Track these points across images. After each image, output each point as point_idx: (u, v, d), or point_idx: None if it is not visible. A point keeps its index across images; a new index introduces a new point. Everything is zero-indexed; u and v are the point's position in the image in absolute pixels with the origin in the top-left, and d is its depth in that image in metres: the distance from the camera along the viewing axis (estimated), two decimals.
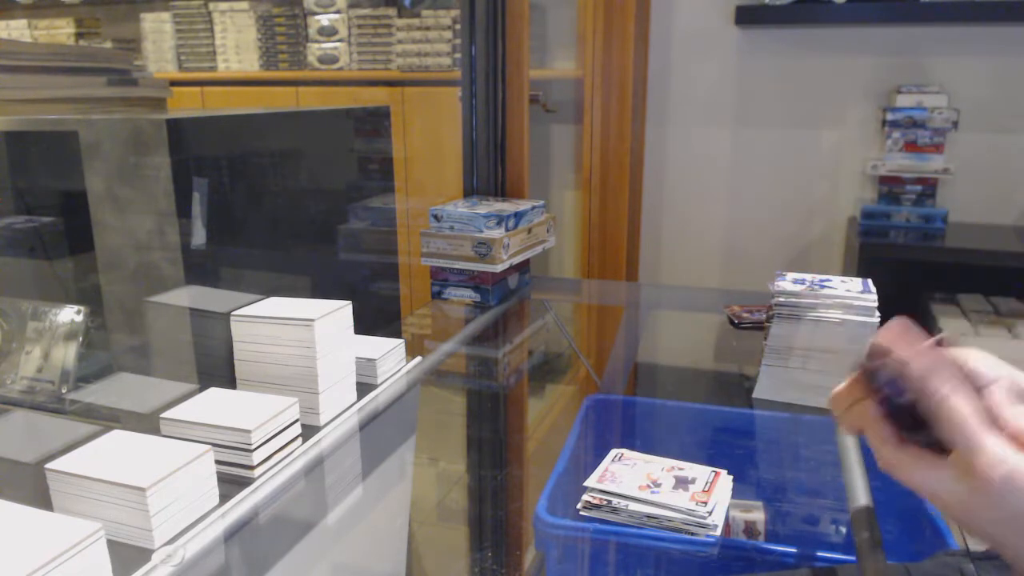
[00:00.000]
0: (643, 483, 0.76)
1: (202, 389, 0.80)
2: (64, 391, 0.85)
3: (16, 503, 0.54)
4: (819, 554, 0.69)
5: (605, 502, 0.74)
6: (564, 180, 2.57)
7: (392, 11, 2.67)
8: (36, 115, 0.98)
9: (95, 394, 0.86)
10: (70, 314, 0.87)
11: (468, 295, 1.37)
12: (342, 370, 0.86)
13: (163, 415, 0.73)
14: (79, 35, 2.98)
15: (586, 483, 0.76)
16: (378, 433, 0.88)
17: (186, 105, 2.82)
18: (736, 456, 0.93)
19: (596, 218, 2.30)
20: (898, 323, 0.46)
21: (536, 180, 2.54)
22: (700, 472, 0.78)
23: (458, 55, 2.40)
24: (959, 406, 0.41)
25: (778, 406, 0.98)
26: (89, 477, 0.61)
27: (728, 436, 0.98)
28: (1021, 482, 0.39)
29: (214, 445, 0.69)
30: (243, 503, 0.69)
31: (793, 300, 0.97)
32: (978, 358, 0.44)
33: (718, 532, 0.70)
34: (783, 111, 2.26)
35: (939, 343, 0.44)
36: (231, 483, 0.70)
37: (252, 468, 0.71)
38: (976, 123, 2.08)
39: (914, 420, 0.43)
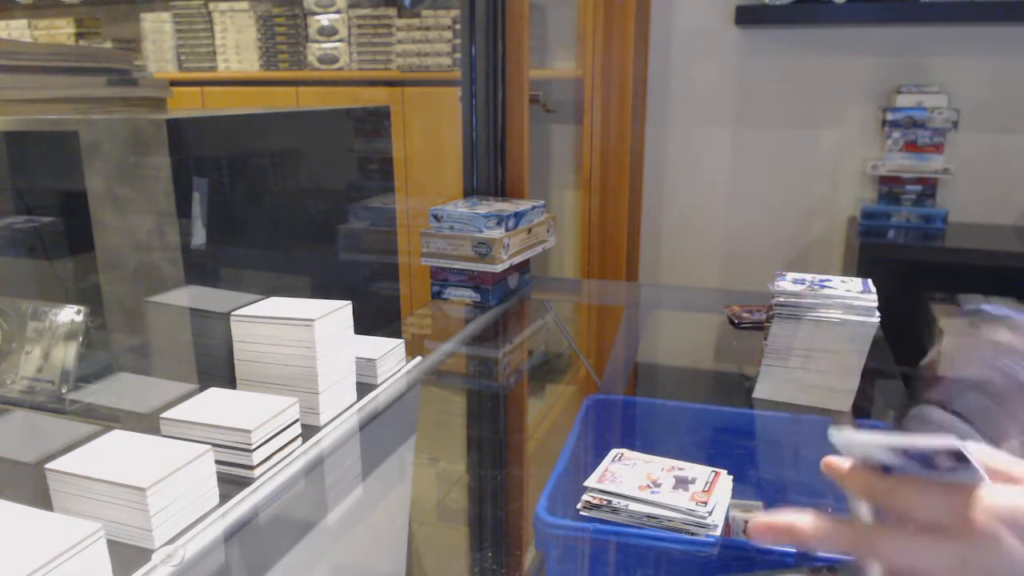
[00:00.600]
0: (643, 483, 0.76)
1: (202, 389, 0.80)
2: (64, 391, 0.85)
3: (16, 503, 0.54)
4: (819, 554, 0.69)
5: (605, 502, 0.74)
6: (564, 180, 2.57)
7: (392, 11, 2.67)
8: (36, 115, 0.98)
9: (95, 394, 0.86)
10: (70, 314, 0.87)
11: (468, 295, 1.37)
12: (342, 370, 0.86)
13: (163, 415, 0.73)
14: (79, 35, 2.98)
15: (586, 483, 0.76)
16: (378, 433, 0.88)
17: (186, 105, 2.82)
18: (736, 456, 0.93)
19: (596, 218, 2.30)
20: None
21: (536, 180, 2.54)
22: (700, 472, 0.78)
23: (458, 55, 2.40)
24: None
25: (778, 406, 0.98)
26: (89, 477, 0.61)
27: (728, 436, 0.98)
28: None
29: (214, 445, 0.69)
30: (243, 503, 0.69)
31: (793, 300, 0.97)
32: None
33: (718, 532, 0.70)
34: (783, 111, 2.26)
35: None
36: (231, 483, 0.70)
37: (252, 468, 0.71)
38: (976, 123, 2.08)
39: None
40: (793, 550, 0.70)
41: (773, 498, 0.87)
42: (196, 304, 0.86)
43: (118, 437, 0.68)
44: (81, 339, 0.86)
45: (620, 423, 1.03)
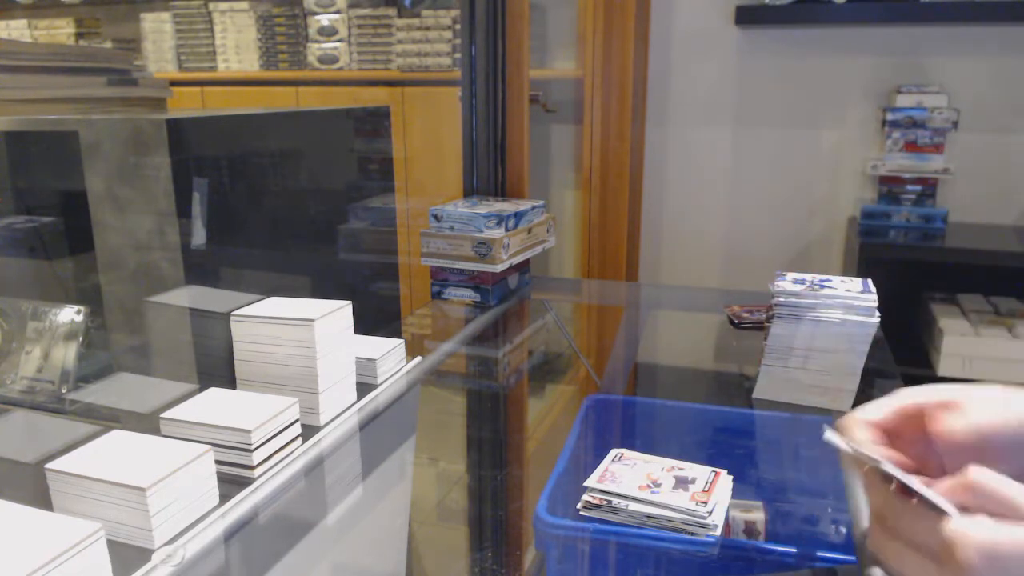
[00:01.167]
0: (643, 483, 0.76)
1: (202, 389, 0.80)
2: (64, 391, 0.85)
3: (16, 503, 0.54)
4: (819, 554, 0.69)
5: (605, 502, 0.74)
6: (564, 180, 2.57)
7: (392, 11, 2.67)
8: (36, 115, 0.98)
9: (95, 394, 0.86)
10: (70, 314, 0.87)
11: (468, 295, 1.37)
12: (342, 370, 0.86)
13: (163, 415, 0.73)
14: (79, 35, 2.98)
15: (586, 483, 0.76)
16: (378, 433, 0.88)
17: (186, 105, 2.82)
18: (736, 456, 0.93)
19: (596, 218, 2.30)
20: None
21: (536, 180, 2.54)
22: (700, 472, 0.78)
23: (458, 55, 2.40)
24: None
25: (778, 406, 0.98)
26: (89, 477, 0.61)
27: (728, 436, 0.98)
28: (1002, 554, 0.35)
29: (214, 445, 0.69)
30: (243, 503, 0.69)
31: (793, 300, 0.97)
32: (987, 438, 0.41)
33: (718, 532, 0.70)
34: (783, 111, 2.26)
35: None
36: (231, 483, 0.70)
37: (252, 468, 0.71)
38: (976, 123, 2.08)
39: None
40: (793, 550, 0.70)
41: (773, 498, 0.87)
42: (196, 304, 0.86)
43: (118, 437, 0.68)
44: (81, 339, 0.86)
45: (620, 423, 1.03)
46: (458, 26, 2.56)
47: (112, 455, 0.64)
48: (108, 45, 3.09)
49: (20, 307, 0.89)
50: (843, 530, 0.83)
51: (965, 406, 0.42)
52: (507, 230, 1.34)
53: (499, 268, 1.33)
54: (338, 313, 0.84)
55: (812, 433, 0.97)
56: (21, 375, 0.87)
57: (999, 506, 0.37)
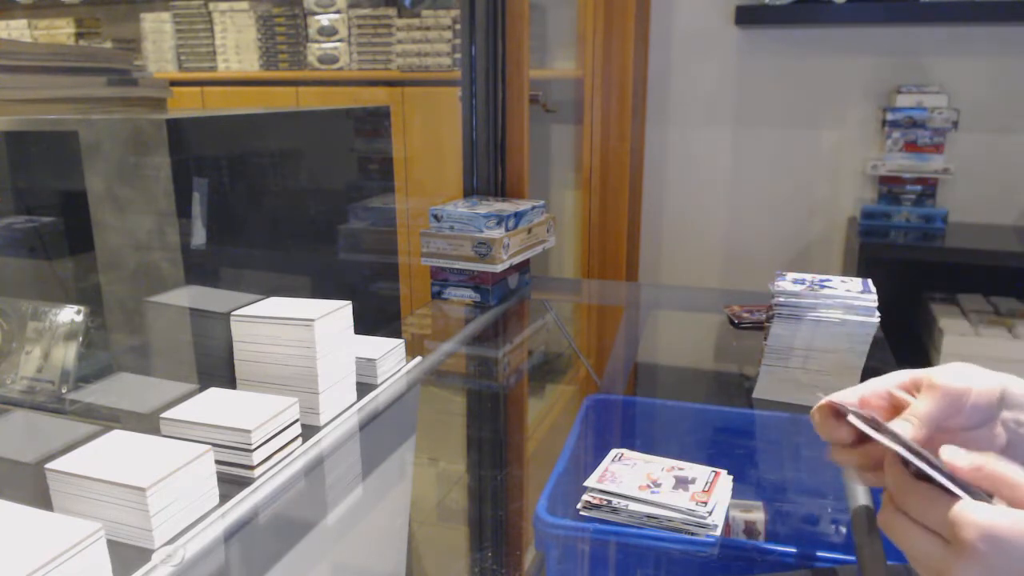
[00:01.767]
0: (643, 483, 0.76)
1: (202, 389, 0.80)
2: (64, 391, 0.85)
3: (16, 503, 0.54)
4: (819, 554, 0.69)
5: (605, 502, 0.74)
6: (564, 180, 2.57)
7: (392, 11, 2.67)
8: (36, 115, 0.98)
9: (95, 394, 0.86)
10: (70, 314, 0.87)
11: (468, 295, 1.37)
12: (342, 370, 0.86)
13: (163, 415, 0.73)
14: (79, 35, 2.98)
15: (586, 483, 0.76)
16: (378, 433, 0.88)
17: (186, 105, 2.82)
18: (736, 456, 0.93)
19: (596, 218, 2.30)
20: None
21: (536, 180, 2.54)
22: (700, 472, 0.78)
23: (458, 55, 2.40)
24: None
25: (778, 406, 0.98)
26: (89, 477, 0.61)
27: (728, 436, 0.98)
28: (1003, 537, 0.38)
29: (214, 445, 0.69)
30: (243, 503, 0.69)
31: (793, 300, 0.97)
32: (977, 394, 0.46)
33: (718, 532, 0.70)
34: (783, 111, 2.26)
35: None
36: (231, 483, 0.70)
37: (252, 468, 0.71)
38: (976, 123, 2.08)
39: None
40: (793, 550, 0.70)
41: (773, 498, 0.87)
42: (196, 304, 0.85)
43: (118, 437, 0.68)
44: (81, 339, 0.86)
45: (620, 423, 1.03)
46: (458, 26, 2.56)
47: (112, 455, 0.64)
48: (108, 45, 3.09)
49: (20, 307, 0.89)
50: (843, 530, 0.83)
51: (933, 376, 0.48)
52: (507, 230, 1.34)
53: (499, 268, 1.33)
54: (338, 313, 0.84)
55: (812, 433, 0.96)
56: (21, 375, 0.87)
57: (1011, 491, 0.40)
